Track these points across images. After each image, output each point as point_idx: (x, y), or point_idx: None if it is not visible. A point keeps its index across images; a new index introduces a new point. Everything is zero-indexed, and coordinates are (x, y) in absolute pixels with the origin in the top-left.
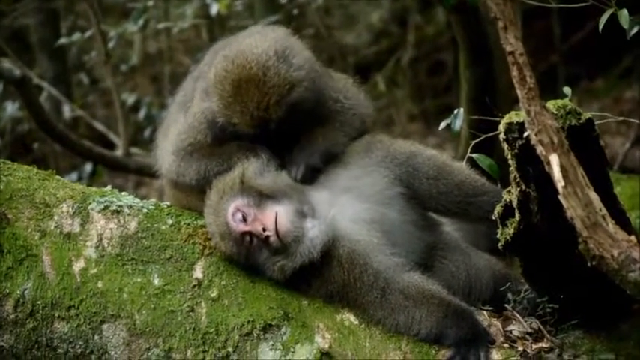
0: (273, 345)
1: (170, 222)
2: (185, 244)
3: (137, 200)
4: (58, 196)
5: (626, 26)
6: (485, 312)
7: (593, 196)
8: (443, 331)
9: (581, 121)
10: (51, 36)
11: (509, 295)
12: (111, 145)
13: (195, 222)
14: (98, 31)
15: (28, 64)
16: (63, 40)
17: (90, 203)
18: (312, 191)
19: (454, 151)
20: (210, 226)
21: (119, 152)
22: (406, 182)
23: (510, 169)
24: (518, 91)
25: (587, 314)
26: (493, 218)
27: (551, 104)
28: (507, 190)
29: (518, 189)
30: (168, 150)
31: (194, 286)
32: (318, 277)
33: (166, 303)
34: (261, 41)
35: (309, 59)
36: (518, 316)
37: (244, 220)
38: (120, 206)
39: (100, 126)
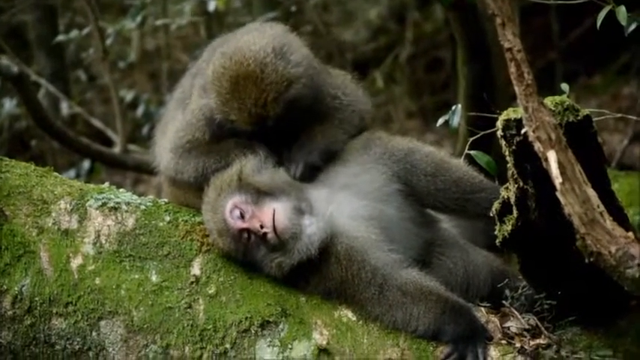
0: (270, 341)
1: (168, 219)
2: (183, 241)
3: (135, 197)
4: (55, 192)
5: (624, 23)
6: (482, 308)
7: (591, 193)
8: (441, 327)
9: (579, 118)
10: (49, 33)
11: (507, 292)
12: (109, 142)
13: (193, 219)
14: (96, 28)
15: (25, 61)
16: (61, 37)
17: (87, 200)
18: (310, 188)
19: (452, 147)
20: (208, 223)
21: (117, 149)
22: (404, 179)
23: (508, 165)
24: (516, 88)
25: (584, 311)
26: (491, 215)
27: (549, 101)
28: (505, 186)
29: (516, 185)
30: (166, 147)
31: (192, 282)
32: (316, 273)
33: (164, 300)
34: (259, 38)
35: (307, 56)
36: (515, 312)
37: (242, 217)
38: (117, 203)
39: (97, 123)
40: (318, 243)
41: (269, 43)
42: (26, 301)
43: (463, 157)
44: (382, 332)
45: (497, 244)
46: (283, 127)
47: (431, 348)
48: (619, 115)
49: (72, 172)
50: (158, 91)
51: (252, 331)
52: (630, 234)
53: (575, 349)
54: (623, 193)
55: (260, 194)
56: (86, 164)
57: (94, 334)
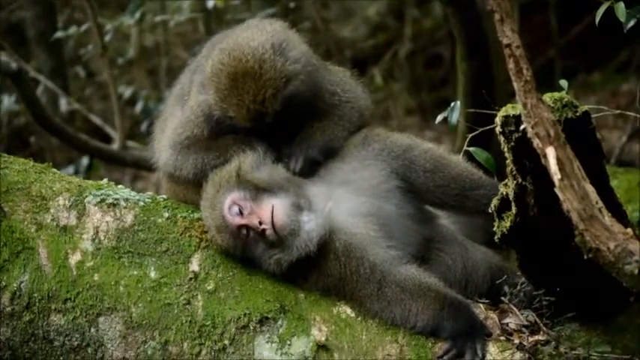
0: (269, 338)
1: (166, 215)
2: (181, 237)
3: (133, 193)
4: (54, 189)
5: (623, 19)
6: (481, 305)
7: (590, 189)
8: (439, 324)
9: (578, 114)
10: (47, 29)
11: (506, 288)
12: (107, 139)
13: (191, 215)
14: (95, 25)
15: (24, 58)
16: (59, 34)
17: (86, 196)
18: (309, 184)
19: (451, 144)
20: (207, 219)
21: (116, 145)
22: (403, 175)
23: (507, 162)
24: (515, 84)
25: (583, 307)
26: (490, 211)
27: (547, 97)
28: (504, 183)
29: (515, 182)
30: (165, 143)
31: (190, 279)
32: (315, 270)
33: (163, 296)
34: (258, 34)
35: (305, 53)
36: (514, 309)
37: (241, 213)
38: (116, 199)
39: (96, 119)
40: (317, 239)
41: (268, 40)
42: (25, 298)
43: (462, 153)
44: (381, 328)
45: (496, 240)
46: (282, 123)
47: (430, 344)
48: (618, 111)
49: (70, 169)
50: (157, 88)
51: (251, 328)
52: (629, 230)
53: (574, 346)
54: (622, 190)
55: (259, 191)
56: (85, 161)
57: (92, 330)
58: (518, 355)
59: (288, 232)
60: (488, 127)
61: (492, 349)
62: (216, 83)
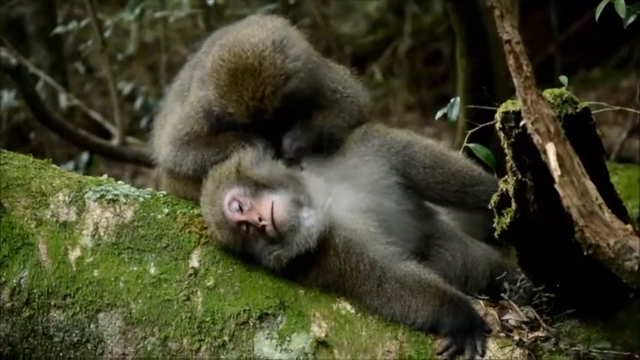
0: (269, 334)
1: (166, 211)
2: (181, 233)
3: (133, 189)
4: (54, 184)
5: (623, 15)
6: (481, 301)
7: (590, 185)
8: (439, 320)
9: (578, 110)
10: (47, 25)
11: (506, 285)
12: (107, 135)
13: (191, 211)
14: (94, 20)
15: (24, 53)
16: (59, 29)
17: (86, 192)
18: (309, 180)
19: (451, 140)
20: (207, 216)
21: (115, 141)
22: (402, 171)
23: (507, 158)
24: (515, 80)
25: (583, 303)
26: (489, 207)
27: (547, 93)
28: (504, 179)
29: (515, 178)
30: (165, 139)
31: (190, 275)
32: (315, 266)
33: (162, 292)
34: (259, 31)
35: (306, 50)
36: (514, 305)
37: (240, 209)
38: (116, 195)
39: (96, 115)
40: (317, 235)
41: (268, 37)
42: (24, 294)
43: (462, 149)
44: (381, 325)
45: (496, 236)
46: (282, 120)
47: (429, 340)
48: (618, 107)
49: (70, 165)
50: (157, 84)
51: (251, 324)
52: (629, 226)
53: (574, 342)
54: (622, 186)
55: (258, 187)
56: (85, 156)
57: (92, 326)
58: (518, 351)
59: (287, 228)
60: (488, 124)
61: (492, 345)
62: (215, 79)
